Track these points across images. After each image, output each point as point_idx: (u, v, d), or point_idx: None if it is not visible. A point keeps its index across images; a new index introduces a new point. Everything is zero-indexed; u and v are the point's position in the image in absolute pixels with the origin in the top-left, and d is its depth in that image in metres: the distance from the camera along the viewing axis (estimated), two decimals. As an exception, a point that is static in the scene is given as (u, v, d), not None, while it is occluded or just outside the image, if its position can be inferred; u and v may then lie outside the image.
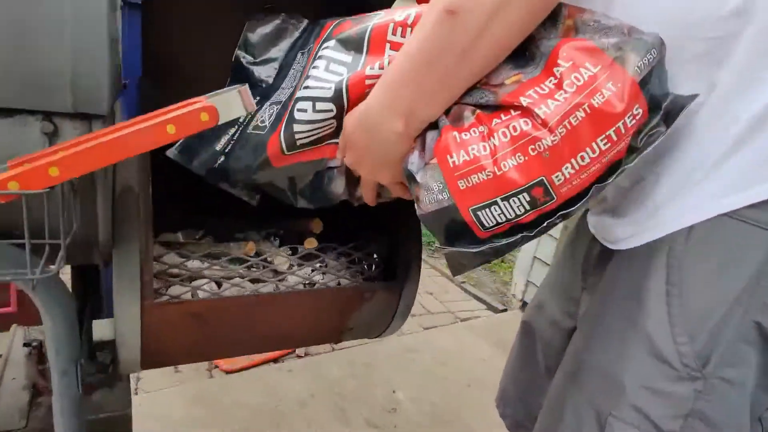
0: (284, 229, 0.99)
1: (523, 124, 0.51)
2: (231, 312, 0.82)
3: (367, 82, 0.63)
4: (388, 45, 0.65)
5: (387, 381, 2.06)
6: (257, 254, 0.90)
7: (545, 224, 0.52)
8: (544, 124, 0.49)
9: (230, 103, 0.56)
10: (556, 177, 0.50)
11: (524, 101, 0.51)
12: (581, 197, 0.51)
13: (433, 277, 3.35)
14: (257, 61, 0.82)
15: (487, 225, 0.53)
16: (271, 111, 0.74)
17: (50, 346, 0.66)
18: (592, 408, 0.60)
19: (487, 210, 0.52)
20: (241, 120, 0.77)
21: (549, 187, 0.50)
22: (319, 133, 0.68)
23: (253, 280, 0.87)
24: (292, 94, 0.73)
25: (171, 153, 0.79)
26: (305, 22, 0.82)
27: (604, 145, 0.48)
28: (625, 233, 0.60)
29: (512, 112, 0.52)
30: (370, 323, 0.98)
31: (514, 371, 0.96)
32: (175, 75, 0.94)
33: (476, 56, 0.52)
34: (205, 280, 0.83)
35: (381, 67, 0.62)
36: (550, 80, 0.51)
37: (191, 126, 0.53)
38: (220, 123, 0.55)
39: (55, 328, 0.65)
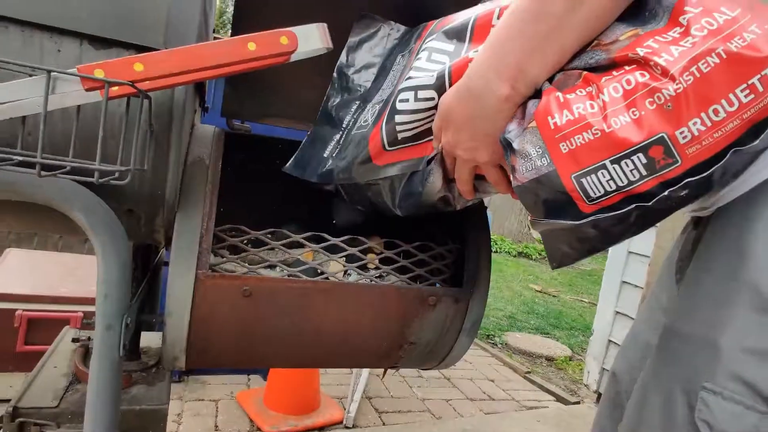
0: (345, 243, 0.95)
1: (638, 76, 0.45)
2: (284, 295, 0.77)
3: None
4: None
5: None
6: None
7: (666, 193, 0.43)
8: (665, 72, 0.43)
9: (309, 33, 0.57)
10: (681, 134, 0.42)
11: (641, 51, 0.46)
12: (713, 162, 0.42)
13: (494, 365, 3.14)
14: (358, 67, 0.83)
15: (593, 195, 0.46)
16: (374, 110, 0.73)
17: (99, 290, 0.64)
18: (679, 383, 0.49)
19: (593, 176, 0.46)
20: (344, 126, 0.78)
21: (671, 145, 0.43)
22: (422, 125, 0.65)
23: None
24: (394, 89, 0.72)
25: (287, 168, 0.82)
26: (405, 28, 0.84)
27: (746, 96, 0.41)
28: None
29: (626, 67, 0.47)
30: (433, 340, 0.90)
31: (600, 419, 0.84)
32: (261, 83, 0.99)
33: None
34: (262, 266, 0.80)
35: None
36: (675, 30, 0.46)
37: (271, 46, 0.54)
38: (299, 51, 0.56)
39: (108, 268, 0.63)
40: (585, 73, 0.50)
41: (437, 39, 0.67)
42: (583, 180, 0.46)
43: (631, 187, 0.44)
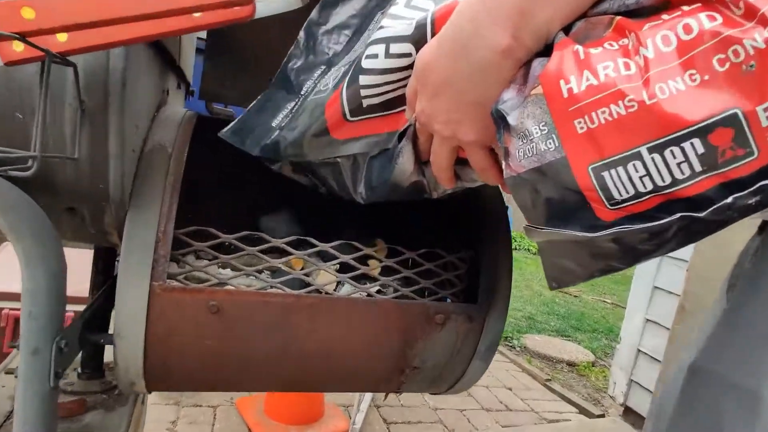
0: (337, 251, 0.81)
1: (705, 20, 0.30)
2: (260, 312, 0.64)
3: None
4: None
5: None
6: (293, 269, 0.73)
7: (729, 200, 0.30)
8: (751, 12, 0.28)
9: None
10: (765, 110, 0.28)
11: None
12: None
13: (512, 372, 2.99)
14: (330, 27, 0.70)
15: (617, 197, 0.33)
16: (338, 73, 0.59)
17: (24, 306, 0.52)
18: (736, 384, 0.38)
19: (620, 170, 0.32)
20: (303, 93, 0.64)
21: (747, 128, 0.28)
22: (394, 89, 0.52)
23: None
24: (363, 53, 0.59)
25: (223, 134, 0.68)
26: None
27: None
28: None
29: (684, 7, 0.32)
30: (441, 364, 0.76)
31: None
32: (245, 60, 0.87)
33: None
34: (235, 276, 0.67)
35: None
36: None
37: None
38: (264, 7, 0.43)
39: (33, 280, 0.51)
40: (618, 18, 0.34)
41: None
42: (605, 174, 0.32)
43: (675, 189, 0.31)
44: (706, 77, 0.29)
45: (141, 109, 0.61)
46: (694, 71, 0.29)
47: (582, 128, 0.32)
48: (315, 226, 0.92)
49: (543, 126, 0.34)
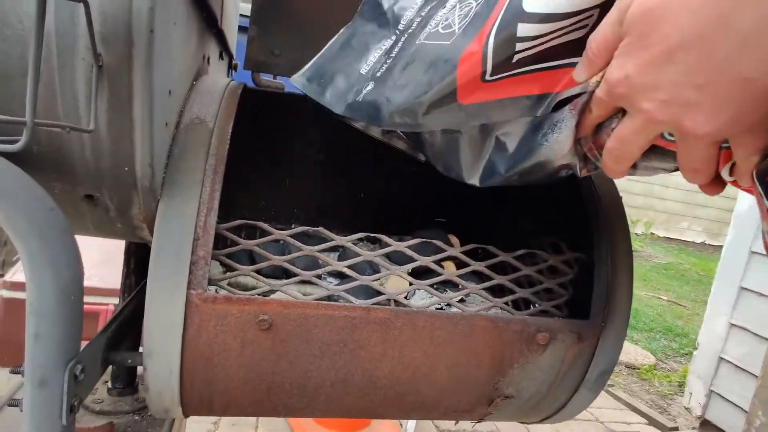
0: (414, 251, 0.66)
1: None
2: (321, 329, 0.51)
3: None
4: None
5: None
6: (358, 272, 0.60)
7: None
8: None
9: None
10: None
11: None
12: None
13: (569, 374, 2.80)
14: None
15: None
16: (464, 7, 0.43)
17: (28, 326, 0.40)
18: None
19: None
20: (401, 29, 0.49)
21: None
22: (559, 37, 0.37)
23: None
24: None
25: (296, 79, 0.54)
26: None
27: None
28: None
29: None
30: (540, 393, 0.62)
31: None
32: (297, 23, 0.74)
33: None
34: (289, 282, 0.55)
35: None
36: None
37: None
38: None
39: (39, 293, 0.39)
40: None
41: None
42: None
43: None
44: None
45: (175, 71, 0.48)
46: None
47: None
48: (378, 221, 0.78)
49: None
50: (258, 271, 0.53)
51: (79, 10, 0.34)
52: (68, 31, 0.36)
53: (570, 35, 0.36)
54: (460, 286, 0.59)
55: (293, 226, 0.55)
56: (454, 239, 0.82)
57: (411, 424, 1.85)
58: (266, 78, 0.77)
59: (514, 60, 0.36)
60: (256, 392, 0.56)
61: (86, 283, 1.37)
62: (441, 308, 0.61)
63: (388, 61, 0.47)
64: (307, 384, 0.56)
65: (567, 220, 0.68)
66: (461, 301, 0.63)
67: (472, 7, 0.41)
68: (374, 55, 0.48)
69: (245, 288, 0.56)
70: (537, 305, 0.61)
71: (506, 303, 0.59)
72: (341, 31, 0.52)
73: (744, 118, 0.27)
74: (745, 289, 2.07)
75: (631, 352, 3.79)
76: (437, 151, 0.50)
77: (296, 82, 0.53)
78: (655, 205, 12.07)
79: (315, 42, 0.75)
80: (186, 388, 0.52)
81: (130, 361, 0.52)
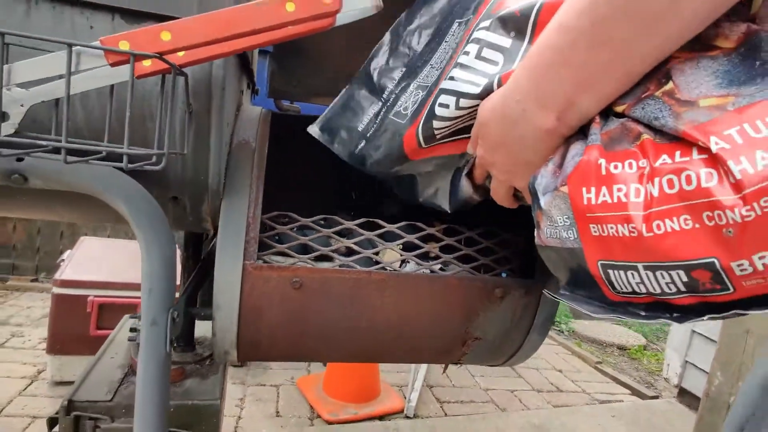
0: (402, 231, 0.88)
1: (704, 177, 0.34)
2: (336, 287, 0.71)
3: None
4: None
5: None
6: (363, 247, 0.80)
7: (706, 317, 0.37)
8: (738, 187, 0.33)
9: (355, -6, 0.49)
10: (739, 266, 0.34)
11: (715, 145, 0.34)
12: None
13: (562, 355, 2.99)
14: (414, 27, 0.73)
15: (619, 289, 0.41)
16: (416, 98, 0.66)
17: (144, 285, 0.60)
18: None
19: (621, 272, 0.39)
20: (384, 98, 0.70)
21: (723, 274, 0.34)
22: (462, 123, 0.59)
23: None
24: (438, 79, 0.63)
25: (312, 129, 0.75)
26: None
27: None
28: None
29: (694, 153, 0.36)
30: (500, 336, 0.81)
31: None
32: (308, 59, 0.94)
33: (675, 18, 0.36)
34: (312, 255, 0.75)
35: None
36: None
37: (312, 6, 0.47)
38: (344, 12, 0.49)
39: (151, 261, 0.59)
40: (645, 137, 0.39)
41: (492, 29, 0.55)
42: (610, 272, 0.40)
43: (665, 297, 0.38)
44: (697, 225, 0.34)
45: (230, 109, 0.68)
46: (688, 218, 0.35)
47: (596, 232, 0.40)
48: (379, 210, 0.98)
49: (566, 219, 0.42)
50: (290, 248, 0.74)
51: (181, 78, 0.54)
52: (176, 92, 0.56)
53: (471, 119, 0.56)
54: (437, 256, 0.79)
55: (314, 215, 0.75)
56: (438, 224, 1.02)
57: (414, 395, 2.04)
58: (285, 103, 0.97)
59: (437, 137, 0.59)
60: (290, 336, 0.75)
61: (125, 279, 1.62)
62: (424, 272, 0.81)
63: (374, 124, 0.68)
64: (326, 329, 0.75)
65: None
66: (441, 269, 0.82)
67: (419, 98, 0.63)
68: (368, 116, 0.69)
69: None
70: (495, 270, 0.81)
71: (472, 268, 0.79)
72: (342, 91, 0.73)
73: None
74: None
75: (623, 334, 3.95)
76: (406, 189, 0.73)
77: (312, 132, 0.74)
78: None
79: (321, 75, 0.95)
80: (241, 334, 0.72)
81: (202, 313, 0.73)
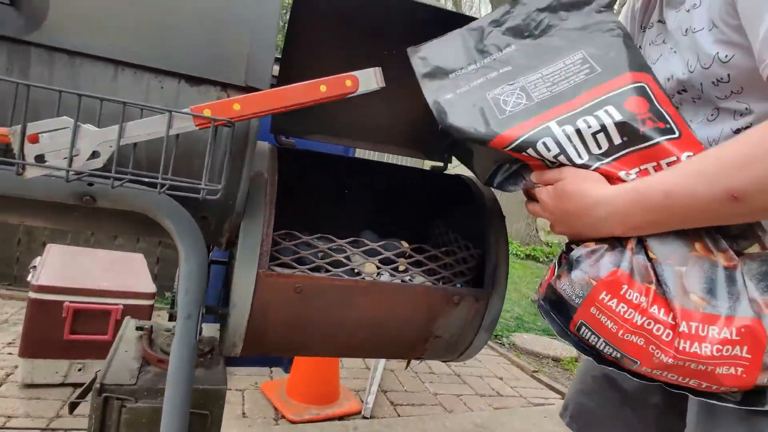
0: (382, 248, 1.06)
1: (664, 333, 0.59)
2: (330, 292, 0.89)
3: (620, 174, 0.63)
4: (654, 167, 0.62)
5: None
6: (349, 260, 0.98)
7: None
8: (676, 350, 0.57)
9: (368, 76, 0.68)
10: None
11: (683, 324, 0.57)
12: None
13: (502, 364, 3.23)
14: (542, 8, 0.75)
15: (583, 337, 0.65)
16: (519, 101, 0.69)
17: (181, 286, 0.75)
18: None
19: (591, 335, 0.64)
20: (484, 63, 0.74)
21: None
22: (546, 161, 0.68)
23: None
24: (547, 103, 0.68)
25: (411, 51, 0.79)
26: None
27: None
28: None
29: (669, 318, 0.59)
30: (456, 334, 1.01)
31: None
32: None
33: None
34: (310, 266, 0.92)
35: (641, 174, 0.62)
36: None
37: (338, 88, 0.65)
38: (359, 90, 0.68)
39: (189, 267, 0.75)
40: (653, 289, 0.60)
41: (615, 119, 0.63)
42: (584, 328, 0.64)
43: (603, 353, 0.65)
44: (641, 342, 0.60)
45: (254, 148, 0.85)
46: (642, 339, 0.60)
47: (593, 311, 0.62)
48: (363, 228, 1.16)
49: (581, 293, 0.62)
50: (293, 260, 0.90)
51: (227, 129, 0.71)
52: (220, 137, 0.72)
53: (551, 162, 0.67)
54: (407, 269, 0.98)
55: (313, 233, 0.92)
56: (405, 243, 1.21)
57: (371, 398, 2.20)
58: (282, 138, 1.14)
59: (526, 152, 0.67)
60: (290, 333, 0.92)
61: (99, 286, 1.75)
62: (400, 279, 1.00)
63: (466, 86, 0.74)
64: (319, 327, 0.92)
65: (474, 230, 1.08)
66: (410, 278, 1.01)
67: (520, 104, 0.69)
68: (464, 71, 0.75)
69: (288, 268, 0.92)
70: (453, 281, 1.00)
71: (436, 279, 0.99)
72: (452, 32, 0.78)
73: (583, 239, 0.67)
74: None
75: (558, 348, 4.24)
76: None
77: (411, 53, 0.79)
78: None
79: (317, 114, 1.13)
80: (249, 328, 0.88)
81: (220, 311, 0.88)
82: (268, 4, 0.72)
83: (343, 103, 1.05)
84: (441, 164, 1.18)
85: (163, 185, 0.60)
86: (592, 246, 0.64)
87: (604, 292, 0.60)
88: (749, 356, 0.55)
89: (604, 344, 0.62)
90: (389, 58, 0.83)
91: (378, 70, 0.70)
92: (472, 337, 1.02)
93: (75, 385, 1.92)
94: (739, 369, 0.55)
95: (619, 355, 0.61)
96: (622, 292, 0.59)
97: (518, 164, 0.75)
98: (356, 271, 0.94)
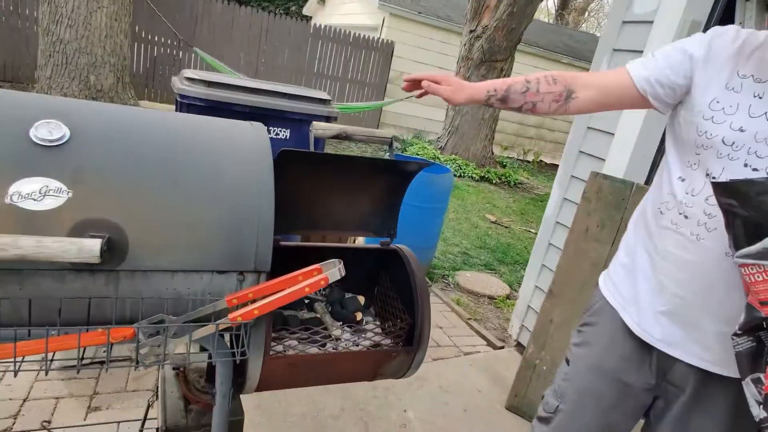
0: (341, 303, 1.51)
1: None
2: (312, 362, 1.34)
3: None
4: None
5: (401, 402, 2.54)
6: (320, 322, 1.42)
7: None
8: None
9: (334, 271, 1.07)
10: None
11: None
12: None
13: (444, 312, 3.77)
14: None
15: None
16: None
17: (218, 381, 1.19)
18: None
19: None
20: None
21: None
22: None
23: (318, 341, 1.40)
24: None
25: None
26: None
27: None
28: None
29: None
30: (395, 371, 1.50)
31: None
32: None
33: None
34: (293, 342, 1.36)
35: None
36: None
37: (315, 284, 1.05)
38: (329, 281, 1.08)
39: (223, 374, 1.17)
40: None
41: None
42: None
43: None
44: None
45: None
46: None
47: None
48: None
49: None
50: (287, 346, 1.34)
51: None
52: (250, 329, 1.12)
53: None
54: (363, 330, 1.43)
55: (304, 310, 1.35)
56: (361, 298, 1.66)
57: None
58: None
59: None
60: (284, 385, 1.37)
61: None
62: (355, 343, 1.45)
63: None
64: (303, 380, 1.38)
65: (409, 303, 1.53)
66: (365, 333, 1.47)
67: None
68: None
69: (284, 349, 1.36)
70: (395, 341, 1.47)
71: (380, 342, 1.45)
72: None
73: None
74: (559, 223, 2.81)
75: (494, 285, 4.48)
76: None
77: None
78: (545, 135, 13.29)
79: (300, 213, 1.50)
80: (260, 383, 1.33)
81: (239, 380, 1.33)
82: (266, 212, 1.09)
83: (315, 204, 1.43)
84: (387, 239, 1.60)
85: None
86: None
87: None
88: None
89: None
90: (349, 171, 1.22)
91: (340, 263, 1.09)
92: (404, 372, 1.52)
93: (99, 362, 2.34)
94: None
95: None
96: None
97: None
98: (328, 333, 1.39)
